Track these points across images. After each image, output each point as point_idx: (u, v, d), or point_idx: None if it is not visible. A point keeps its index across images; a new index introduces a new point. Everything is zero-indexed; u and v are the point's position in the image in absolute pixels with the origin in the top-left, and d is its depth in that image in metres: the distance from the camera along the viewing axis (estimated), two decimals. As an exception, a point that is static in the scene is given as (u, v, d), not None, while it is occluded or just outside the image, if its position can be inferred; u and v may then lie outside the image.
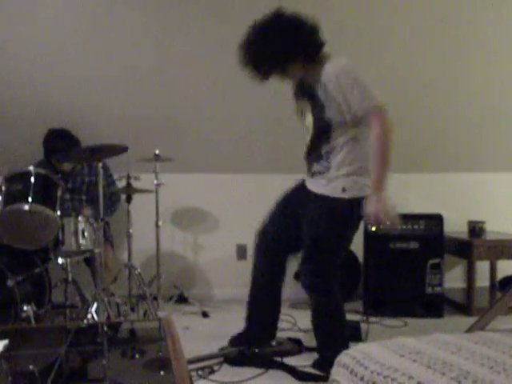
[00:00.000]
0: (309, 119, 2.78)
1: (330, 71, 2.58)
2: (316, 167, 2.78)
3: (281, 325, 3.33)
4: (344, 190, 2.68)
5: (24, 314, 3.06)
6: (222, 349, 3.17)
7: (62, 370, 1.79)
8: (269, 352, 3.07)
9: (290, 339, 3.31)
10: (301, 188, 2.93)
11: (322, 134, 2.71)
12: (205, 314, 4.05)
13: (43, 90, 4.22)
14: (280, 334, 3.28)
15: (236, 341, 3.19)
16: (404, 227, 4.05)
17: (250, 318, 3.17)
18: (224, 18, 3.99)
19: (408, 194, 4.68)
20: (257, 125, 4.43)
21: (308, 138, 2.82)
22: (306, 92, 2.76)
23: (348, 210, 2.72)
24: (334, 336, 2.87)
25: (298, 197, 2.96)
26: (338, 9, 3.96)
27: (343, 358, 1.77)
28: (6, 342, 1.98)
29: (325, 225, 2.75)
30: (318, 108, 2.68)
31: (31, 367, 1.91)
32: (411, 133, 4.30)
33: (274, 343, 3.17)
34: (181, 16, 3.98)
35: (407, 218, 4.05)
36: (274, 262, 3.07)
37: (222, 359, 3.03)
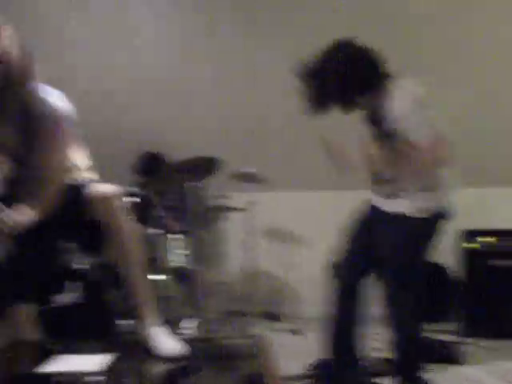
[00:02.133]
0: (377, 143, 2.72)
1: (398, 106, 2.51)
2: (391, 188, 2.71)
3: (374, 344, 3.26)
4: (424, 207, 2.61)
5: (124, 329, 3.16)
6: (313, 368, 3.14)
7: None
8: (361, 372, 3.01)
9: (382, 359, 3.23)
10: (368, 213, 2.86)
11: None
12: (295, 332, 4.04)
13: (138, 112, 4.42)
14: (373, 354, 3.22)
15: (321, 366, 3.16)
16: (504, 244, 3.87)
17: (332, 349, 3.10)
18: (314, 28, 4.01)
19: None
20: (353, 140, 4.39)
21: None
22: (375, 119, 2.70)
23: (430, 227, 2.64)
24: (415, 355, 2.77)
25: (367, 222, 2.88)
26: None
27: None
28: (113, 355, 2.10)
29: (409, 245, 2.68)
30: (388, 132, 2.61)
31: (131, 379, 1.99)
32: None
33: (366, 363, 3.11)
34: (272, 28, 4.04)
35: (507, 234, 3.87)
36: (349, 293, 2.98)
37: (313, 378, 3.00)
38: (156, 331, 2.26)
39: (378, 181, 2.79)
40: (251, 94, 4.32)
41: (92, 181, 2.39)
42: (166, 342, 2.22)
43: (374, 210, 2.81)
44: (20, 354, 2.34)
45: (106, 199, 2.22)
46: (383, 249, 2.73)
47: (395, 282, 2.73)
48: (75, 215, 2.28)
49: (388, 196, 2.74)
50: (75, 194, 2.26)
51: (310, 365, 3.13)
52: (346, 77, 2.57)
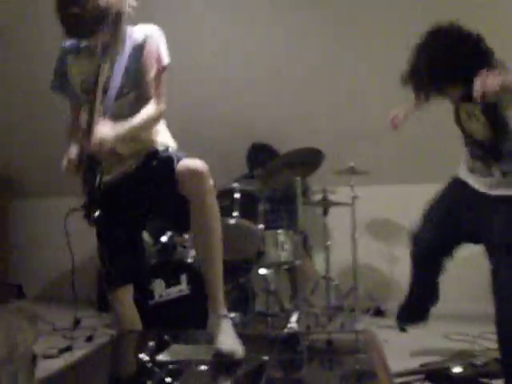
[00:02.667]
0: (479, 120, 2.60)
1: None
2: (503, 167, 2.58)
3: (487, 343, 3.15)
4: None
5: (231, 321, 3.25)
6: (423, 365, 3.07)
7: (265, 377, 1.86)
8: (474, 373, 2.91)
9: (497, 360, 3.10)
10: (467, 192, 2.74)
11: (500, 132, 2.53)
12: (402, 329, 3.96)
13: (245, 107, 4.51)
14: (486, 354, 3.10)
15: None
16: None
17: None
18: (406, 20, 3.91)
19: None
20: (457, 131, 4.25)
21: (478, 139, 2.63)
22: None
23: None
24: None
25: (465, 201, 2.76)
26: None
27: None
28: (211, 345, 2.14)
29: None
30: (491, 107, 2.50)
31: (238, 371, 2.04)
32: None
33: (479, 363, 3.00)
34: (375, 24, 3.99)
35: None
36: (429, 268, 2.96)
37: (423, 376, 2.94)
38: (222, 323, 2.11)
39: (484, 158, 2.66)
40: (355, 89, 4.28)
41: (181, 154, 2.30)
42: (228, 338, 2.07)
43: (471, 193, 2.70)
44: (132, 343, 2.44)
45: (195, 175, 2.12)
46: (497, 236, 2.60)
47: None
48: (163, 188, 2.24)
49: (504, 175, 2.60)
50: (165, 166, 2.21)
51: (422, 365, 3.07)
52: (456, 55, 2.49)
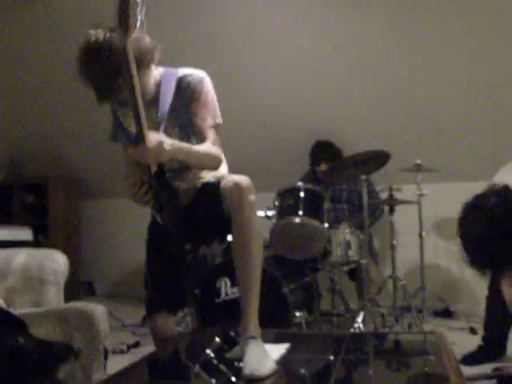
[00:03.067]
0: None
1: None
2: None
3: None
4: None
5: (296, 320, 3.25)
6: (495, 369, 2.97)
7: (332, 377, 1.84)
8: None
9: None
10: None
11: None
12: (473, 331, 3.84)
13: (308, 106, 4.50)
14: None
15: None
16: None
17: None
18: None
19: None
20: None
21: None
22: None
23: None
24: None
25: None
26: None
27: None
28: (288, 345, 2.14)
29: None
30: None
31: (304, 371, 2.03)
32: None
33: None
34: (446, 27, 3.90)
35: None
36: None
37: (495, 381, 2.84)
38: (249, 346, 1.93)
39: None
40: (421, 87, 4.20)
41: (225, 175, 2.25)
42: (252, 359, 1.88)
43: None
44: (198, 339, 2.46)
45: (236, 189, 2.03)
46: None
47: None
48: (212, 219, 2.16)
49: None
50: (211, 195, 2.13)
51: (494, 369, 2.98)
52: None
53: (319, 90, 4.45)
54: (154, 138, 1.92)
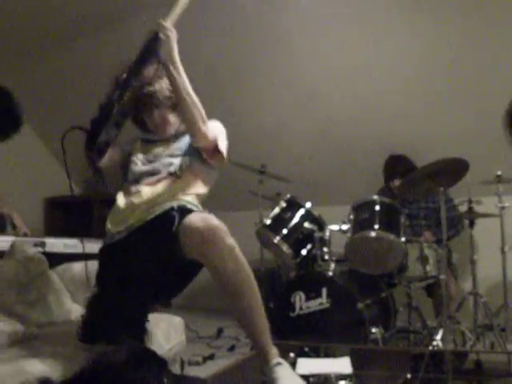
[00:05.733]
0: None
1: None
2: None
3: None
4: None
5: (372, 336, 3.19)
6: None
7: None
8: None
9: None
10: None
11: None
12: (563, 352, 3.64)
13: (380, 118, 4.45)
14: None
15: None
16: None
17: None
18: None
19: None
20: None
21: None
22: None
23: None
24: None
25: None
26: None
27: None
28: (348, 359, 2.11)
29: None
30: None
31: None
32: None
33: None
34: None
35: None
36: None
37: None
38: (281, 371, 1.89)
39: None
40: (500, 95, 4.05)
41: (191, 208, 2.08)
42: (293, 381, 1.87)
43: None
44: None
45: (198, 234, 1.86)
46: None
47: None
48: (160, 255, 2.02)
49: None
50: (163, 228, 2.00)
51: None
52: None
53: (391, 102, 4.38)
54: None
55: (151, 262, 2.04)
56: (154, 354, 1.41)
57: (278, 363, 1.92)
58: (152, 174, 2.23)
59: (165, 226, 1.97)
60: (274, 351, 1.96)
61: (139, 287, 2.12)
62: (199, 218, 1.91)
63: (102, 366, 1.30)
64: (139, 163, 2.29)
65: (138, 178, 2.24)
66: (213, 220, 1.89)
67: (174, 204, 2.09)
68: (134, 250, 2.09)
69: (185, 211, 2.02)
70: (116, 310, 2.11)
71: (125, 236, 2.14)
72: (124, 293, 2.10)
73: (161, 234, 1.99)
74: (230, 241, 1.89)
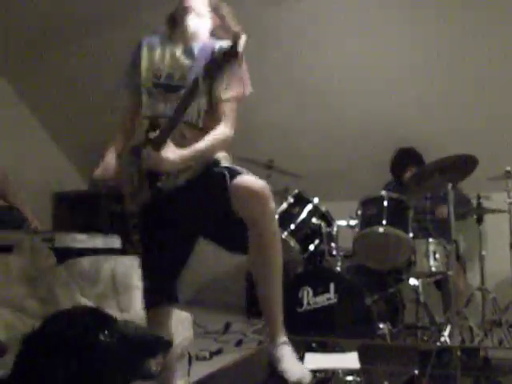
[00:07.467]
0: None
1: None
2: None
3: None
4: None
5: (380, 331, 3.19)
6: None
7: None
8: None
9: None
10: None
11: None
12: None
13: (388, 113, 4.43)
14: None
15: None
16: None
17: None
18: None
19: None
20: None
21: None
22: None
23: None
24: None
25: None
26: None
27: None
28: (355, 354, 2.11)
29: None
30: None
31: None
32: None
33: None
34: None
35: None
36: None
37: None
38: (285, 352, 1.94)
39: None
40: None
41: (239, 170, 2.03)
42: (295, 366, 1.91)
43: None
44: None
45: (252, 196, 1.89)
46: None
47: None
48: (215, 207, 2.01)
49: None
50: (217, 183, 1.98)
51: None
52: None
53: (399, 96, 4.36)
54: (171, 150, 1.94)
55: (203, 216, 2.07)
56: (97, 312, 1.39)
57: (285, 342, 1.97)
58: None
59: (218, 181, 1.99)
60: (283, 332, 2.00)
61: (187, 241, 2.19)
62: (253, 179, 1.95)
63: (47, 328, 1.32)
64: None
65: None
66: (263, 183, 1.94)
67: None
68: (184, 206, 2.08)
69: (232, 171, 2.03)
70: (170, 268, 2.18)
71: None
72: (175, 249, 2.15)
73: (215, 188, 2.00)
74: (273, 204, 1.95)
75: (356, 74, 4.43)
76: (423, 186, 3.63)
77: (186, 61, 2.12)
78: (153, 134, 1.99)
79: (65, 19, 4.65)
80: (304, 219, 3.56)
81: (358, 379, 1.96)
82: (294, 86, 4.65)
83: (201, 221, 2.09)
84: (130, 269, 2.92)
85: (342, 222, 3.52)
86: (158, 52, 2.17)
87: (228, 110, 2.09)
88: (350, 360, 2.08)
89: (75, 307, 1.45)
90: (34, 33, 4.89)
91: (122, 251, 4.93)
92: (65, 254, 3.04)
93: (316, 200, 3.63)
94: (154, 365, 1.38)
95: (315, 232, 3.55)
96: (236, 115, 2.12)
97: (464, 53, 4.04)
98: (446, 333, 3.18)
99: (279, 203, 3.66)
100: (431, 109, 4.37)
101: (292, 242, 3.47)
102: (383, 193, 3.39)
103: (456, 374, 2.10)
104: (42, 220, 4.18)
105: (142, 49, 2.20)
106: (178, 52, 2.13)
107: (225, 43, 2.05)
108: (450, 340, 3.14)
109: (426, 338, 3.53)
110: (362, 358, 2.07)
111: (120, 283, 2.91)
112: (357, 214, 3.40)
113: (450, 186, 3.22)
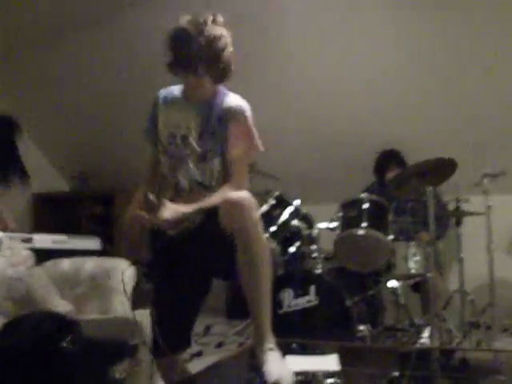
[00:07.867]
0: None
1: None
2: None
3: None
4: None
5: (360, 333, 3.20)
6: None
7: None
8: None
9: None
10: None
11: None
12: (547, 350, 3.67)
13: (370, 117, 4.46)
14: None
15: None
16: None
17: None
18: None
19: None
20: None
21: None
22: None
23: None
24: None
25: None
26: None
27: None
28: (336, 356, 2.11)
29: None
30: None
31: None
32: None
33: None
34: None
35: None
36: None
37: None
38: (272, 356, 1.96)
39: None
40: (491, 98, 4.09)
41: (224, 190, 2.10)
42: (274, 368, 1.92)
43: None
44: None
45: (235, 207, 1.93)
46: None
47: None
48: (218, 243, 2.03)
49: None
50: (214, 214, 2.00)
51: None
52: None
53: (382, 100, 4.39)
54: (171, 208, 2.00)
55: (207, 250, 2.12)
56: (59, 319, 1.37)
57: (272, 348, 1.97)
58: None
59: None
60: (271, 337, 2.00)
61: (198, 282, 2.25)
62: (235, 194, 2.01)
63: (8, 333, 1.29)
64: None
65: None
66: (245, 194, 2.00)
67: None
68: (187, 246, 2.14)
69: None
70: (182, 312, 2.24)
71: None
72: (185, 292, 2.20)
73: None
74: (257, 213, 2.02)
75: (337, 80, 4.45)
76: (403, 190, 3.66)
77: (197, 121, 2.16)
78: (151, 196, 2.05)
79: (43, 20, 4.61)
80: (285, 221, 3.57)
81: (338, 381, 1.96)
82: (274, 90, 4.65)
83: (209, 260, 2.16)
84: (111, 271, 2.90)
85: (323, 225, 3.54)
86: (173, 110, 2.22)
87: (235, 170, 2.15)
88: (330, 362, 2.08)
89: (34, 313, 1.42)
90: (13, 33, 4.84)
91: (102, 253, 4.91)
92: (44, 255, 3.02)
93: (297, 202, 3.64)
94: (118, 371, 1.36)
95: (296, 234, 3.56)
96: (245, 174, 2.20)
97: (445, 60, 4.08)
98: (426, 334, 3.21)
99: (260, 205, 3.66)
100: (412, 115, 4.40)
101: (273, 244, 3.48)
102: (363, 195, 3.42)
103: (435, 375, 2.12)
104: (21, 221, 4.14)
105: (159, 105, 2.27)
106: (192, 112, 2.17)
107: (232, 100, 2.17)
108: (430, 342, 3.17)
109: (405, 339, 3.56)
110: (342, 360, 2.08)
111: (100, 285, 2.89)
112: (337, 217, 3.41)
113: (430, 189, 3.25)
